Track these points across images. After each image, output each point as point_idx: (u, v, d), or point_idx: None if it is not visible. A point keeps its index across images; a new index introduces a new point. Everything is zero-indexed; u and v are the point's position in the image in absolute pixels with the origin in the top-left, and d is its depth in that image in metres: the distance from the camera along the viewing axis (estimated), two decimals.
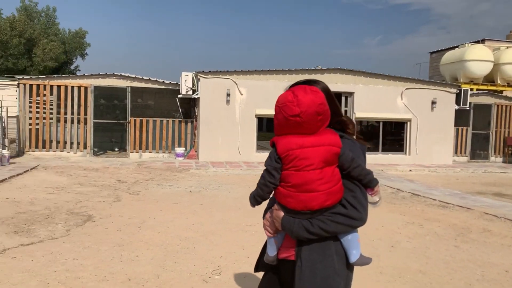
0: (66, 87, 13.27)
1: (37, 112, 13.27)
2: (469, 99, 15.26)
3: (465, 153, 16.25)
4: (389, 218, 6.50)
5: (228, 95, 13.17)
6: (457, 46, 19.86)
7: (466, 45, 19.08)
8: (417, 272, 4.16)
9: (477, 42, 21.60)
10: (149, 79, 14.02)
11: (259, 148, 13.76)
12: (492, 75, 18.54)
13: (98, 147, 14.23)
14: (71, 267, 3.97)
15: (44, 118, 13.31)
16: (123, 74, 13.72)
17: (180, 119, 14.43)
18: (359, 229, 1.74)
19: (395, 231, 5.73)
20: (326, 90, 1.79)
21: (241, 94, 13.32)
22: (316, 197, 1.64)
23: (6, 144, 11.82)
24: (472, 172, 13.44)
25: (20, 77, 13.40)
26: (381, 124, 14.86)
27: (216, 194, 8.21)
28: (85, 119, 13.52)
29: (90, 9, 60.34)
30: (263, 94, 13.28)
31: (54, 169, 10.74)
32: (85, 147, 13.64)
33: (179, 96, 13.92)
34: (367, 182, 1.73)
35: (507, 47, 19.07)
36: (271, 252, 1.81)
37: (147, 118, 14.11)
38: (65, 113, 13.38)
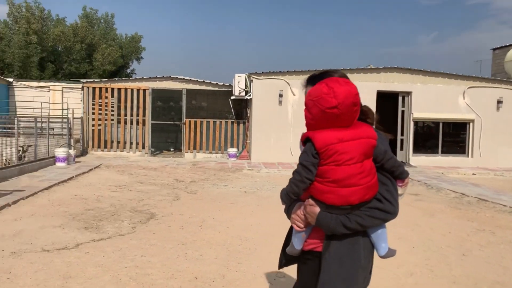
0: (126, 89, 13.89)
1: (99, 114, 13.99)
2: None
3: None
4: (456, 224, 6.15)
5: (281, 95, 13.14)
6: None
7: None
8: (494, 283, 3.89)
9: None
10: (203, 81, 14.32)
11: None
12: None
13: (154, 147, 14.76)
14: (139, 264, 4.11)
15: (105, 120, 14.00)
16: (178, 76, 14.14)
17: (233, 120, 14.60)
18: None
19: (464, 238, 5.41)
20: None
21: (294, 95, 13.24)
22: (357, 191, 1.61)
23: (72, 144, 12.56)
24: None
25: (84, 80, 14.19)
26: (440, 124, 14.16)
27: (271, 195, 8.20)
28: (143, 120, 14.06)
29: (145, 14, 62.82)
30: None
31: (116, 168, 11.25)
32: (143, 147, 14.18)
33: (232, 97, 14.10)
34: (399, 174, 1.71)
35: None
36: (298, 245, 1.79)
37: (201, 119, 14.42)
38: (125, 115, 13.99)
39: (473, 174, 12.27)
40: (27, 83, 17.51)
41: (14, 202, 6.49)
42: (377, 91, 13.35)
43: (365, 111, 1.78)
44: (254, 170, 11.65)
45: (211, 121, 14.42)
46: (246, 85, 13.63)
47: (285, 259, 1.95)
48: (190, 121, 14.30)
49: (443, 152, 14.19)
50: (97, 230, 5.32)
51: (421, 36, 76.26)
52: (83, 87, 13.81)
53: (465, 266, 4.33)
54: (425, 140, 14.85)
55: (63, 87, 17.10)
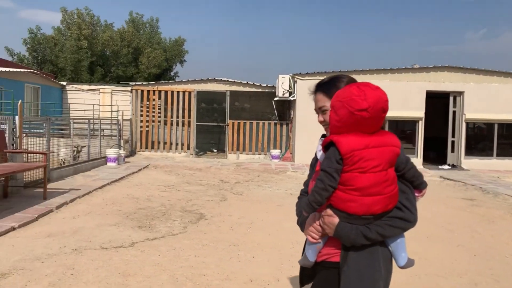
0: (172, 92, 14.23)
1: (147, 116, 14.42)
2: None
3: None
4: None
5: None
6: None
7: None
8: None
9: None
10: (247, 82, 14.40)
11: None
12: None
13: (198, 148, 15.01)
14: (194, 264, 4.16)
15: (153, 121, 14.41)
16: (223, 78, 14.29)
17: (276, 122, 14.57)
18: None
19: None
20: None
21: None
22: (380, 200, 1.55)
23: (122, 144, 13.02)
24: None
25: (133, 83, 14.67)
26: (495, 126, 13.41)
27: None
28: (189, 122, 14.33)
29: (188, 17, 64.29)
30: None
31: (163, 169, 11.53)
32: (188, 148, 14.46)
33: (275, 98, 14.07)
34: (419, 184, 1.67)
35: None
36: (312, 257, 1.71)
37: (244, 121, 14.50)
38: (171, 116, 14.33)
39: None
40: (79, 86, 18.37)
41: (72, 201, 6.78)
42: (427, 91, 12.87)
43: None
44: (298, 172, 11.56)
45: (254, 122, 14.46)
46: (290, 86, 13.56)
47: (305, 276, 1.84)
48: (233, 123, 14.42)
49: (498, 154, 13.44)
50: (150, 229, 5.44)
51: (468, 33, 72.86)
52: (132, 90, 14.29)
53: None
54: (477, 142, 14.13)
55: (112, 90, 17.80)
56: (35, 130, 11.53)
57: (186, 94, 14.27)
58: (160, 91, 14.28)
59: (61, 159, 9.93)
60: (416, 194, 1.69)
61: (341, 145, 1.53)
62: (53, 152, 8.73)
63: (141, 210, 6.52)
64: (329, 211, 1.63)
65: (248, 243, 4.92)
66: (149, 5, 60.41)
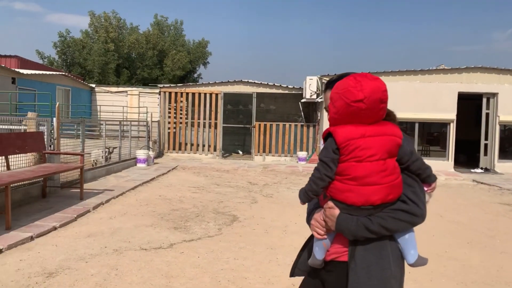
0: (199, 94, 14.35)
1: (175, 117, 14.58)
2: None
3: None
4: None
5: None
6: None
7: None
8: None
9: None
10: (274, 84, 14.38)
11: None
12: None
13: (224, 150, 15.07)
14: (234, 267, 4.15)
15: (180, 123, 14.56)
16: (249, 80, 14.32)
17: (302, 123, 14.49)
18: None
19: None
20: None
21: None
22: (379, 190, 1.51)
23: (151, 146, 13.19)
24: None
25: (161, 85, 14.86)
26: None
27: None
28: (215, 124, 14.42)
29: (212, 19, 64.82)
30: (391, 96, 12.51)
31: (191, 170, 11.63)
32: (214, 149, 14.54)
33: (302, 100, 13.99)
34: (426, 177, 1.61)
35: None
36: (320, 255, 1.65)
37: (271, 123, 14.48)
38: (198, 118, 14.45)
39: None
40: (107, 88, 18.75)
41: (107, 201, 6.90)
42: (459, 92, 12.55)
43: (389, 111, 1.68)
44: None
45: (281, 124, 14.43)
46: (317, 88, 13.46)
47: (300, 269, 1.82)
48: (259, 124, 14.42)
49: None
50: (186, 231, 5.48)
51: (496, 33, 70.83)
52: (160, 91, 14.48)
53: None
54: (510, 145, 13.71)
55: (139, 92, 18.09)
56: (66, 132, 11.82)
57: (213, 96, 14.36)
58: (187, 93, 14.41)
59: (93, 160, 10.12)
60: (425, 188, 1.63)
61: (337, 135, 1.53)
62: (89, 153, 8.92)
63: (175, 211, 6.57)
64: (330, 203, 1.61)
65: (285, 247, 4.89)
66: (173, 8, 61.22)
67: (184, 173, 11.08)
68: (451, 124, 12.83)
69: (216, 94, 14.37)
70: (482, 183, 10.81)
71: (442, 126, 14.04)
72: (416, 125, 13.04)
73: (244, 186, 9.43)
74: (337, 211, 1.58)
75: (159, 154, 14.25)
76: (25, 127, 8.08)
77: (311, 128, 14.46)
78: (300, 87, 14.29)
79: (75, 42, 27.38)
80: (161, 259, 4.31)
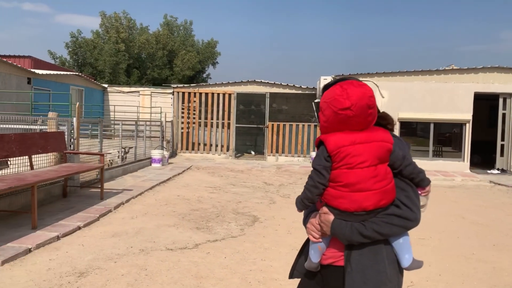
0: (212, 94, 14.36)
1: (188, 117, 14.60)
2: None
3: None
4: None
5: None
6: None
7: None
8: None
9: None
10: (287, 84, 14.34)
11: None
12: None
13: (236, 150, 15.07)
14: (263, 268, 4.13)
15: (193, 123, 14.58)
16: (263, 80, 14.29)
17: (316, 124, 14.43)
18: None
19: None
20: None
21: (383, 97, 12.76)
22: (371, 196, 1.53)
23: (165, 146, 13.23)
24: None
25: (175, 85, 14.89)
26: None
27: None
28: (228, 124, 14.41)
29: (220, 19, 64.92)
30: (406, 96, 12.54)
31: (206, 170, 11.63)
32: (227, 149, 14.54)
33: (316, 100, 13.92)
34: (419, 181, 1.63)
35: None
36: (315, 258, 1.68)
37: (284, 123, 14.44)
38: (211, 118, 14.46)
39: None
40: (119, 88, 18.83)
41: (127, 201, 6.92)
42: (475, 92, 12.42)
43: (384, 116, 1.71)
44: None
45: (294, 124, 14.39)
46: None
47: (298, 271, 1.83)
48: (273, 124, 14.39)
49: None
50: (208, 231, 5.47)
51: (504, 32, 70.07)
52: (173, 92, 14.51)
53: None
54: None
55: (151, 92, 18.15)
56: (81, 131, 11.87)
57: (226, 96, 14.36)
58: (200, 93, 14.43)
59: (109, 160, 10.16)
60: (420, 192, 1.64)
61: (328, 142, 1.56)
62: (110, 153, 8.95)
63: (195, 212, 6.57)
64: (324, 209, 1.63)
65: None
66: (182, 8, 61.41)
67: (199, 173, 11.09)
68: (467, 125, 12.70)
69: (229, 94, 14.37)
70: (499, 184, 10.68)
71: (453, 126, 13.91)
72: (431, 125, 12.94)
73: (260, 186, 9.41)
74: (331, 217, 1.61)
75: (172, 154, 14.28)
76: (41, 127, 8.14)
77: None
78: (314, 87, 14.24)
79: (86, 43, 27.55)
80: (188, 259, 4.30)
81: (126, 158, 10.34)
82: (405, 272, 4.03)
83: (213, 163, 13.11)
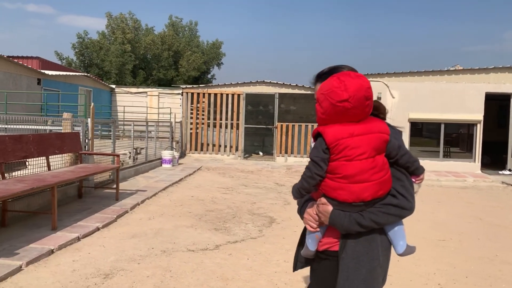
0: (221, 94, 14.34)
1: (197, 118, 14.59)
2: None
3: None
4: None
5: (379, 98, 12.66)
6: None
7: None
8: None
9: None
10: (296, 85, 14.31)
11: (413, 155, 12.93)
12: None
13: (244, 150, 15.03)
14: (287, 270, 4.09)
15: (202, 123, 14.57)
16: (272, 81, 14.27)
17: None
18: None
19: None
20: None
21: (393, 97, 12.71)
22: (369, 187, 1.56)
23: (174, 146, 13.21)
24: None
25: (184, 86, 14.89)
26: None
27: None
28: (237, 124, 14.39)
29: (225, 20, 64.96)
30: (417, 96, 12.48)
31: (216, 171, 11.61)
32: (236, 150, 14.51)
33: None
34: (414, 169, 1.67)
35: None
36: (312, 246, 1.73)
37: (293, 123, 14.41)
38: (220, 119, 14.44)
39: None
40: (127, 89, 18.84)
41: (142, 202, 6.90)
42: (486, 93, 12.35)
43: (376, 105, 1.70)
44: None
45: (303, 125, 14.34)
46: None
47: (300, 262, 1.88)
48: (282, 125, 14.36)
49: None
50: (227, 232, 5.44)
51: (508, 32, 69.78)
52: (182, 92, 14.51)
53: None
54: None
55: (159, 93, 18.15)
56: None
57: (235, 96, 14.34)
58: (209, 94, 14.41)
59: (121, 161, 10.15)
60: (414, 180, 1.68)
61: (327, 135, 1.56)
62: (124, 153, 8.94)
63: (211, 212, 6.55)
64: (323, 200, 1.65)
65: None
66: (184, 8, 61.48)
67: (209, 173, 11.07)
68: (478, 125, 12.63)
69: (238, 95, 14.35)
70: None
71: (460, 126, 13.83)
72: (442, 126, 12.87)
73: (272, 187, 9.38)
74: (330, 208, 1.63)
75: (181, 155, 14.26)
76: (51, 128, 8.15)
77: None
78: None
79: (92, 43, 27.61)
80: (211, 260, 4.28)
81: (137, 158, 10.33)
82: (432, 275, 3.98)
83: (222, 163, 13.08)
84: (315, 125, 14.18)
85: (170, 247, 4.69)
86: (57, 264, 3.98)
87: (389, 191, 1.61)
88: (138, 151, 10.30)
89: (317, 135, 1.63)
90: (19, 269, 3.73)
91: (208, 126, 14.60)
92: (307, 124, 14.40)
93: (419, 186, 1.73)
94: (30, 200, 5.51)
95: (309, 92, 14.50)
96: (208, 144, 14.63)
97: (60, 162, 6.82)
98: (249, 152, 15.88)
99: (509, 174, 12.36)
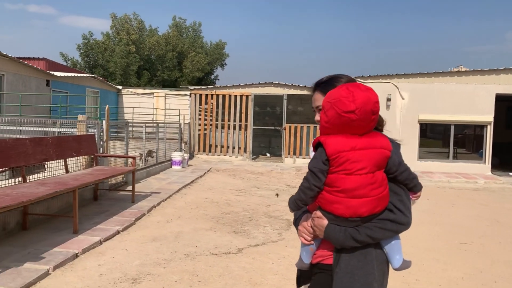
0: (229, 96, 14.32)
1: (205, 119, 14.58)
2: None
3: None
4: None
5: (389, 99, 12.63)
6: None
7: None
8: None
9: None
10: (305, 86, 14.28)
11: (422, 156, 12.90)
12: None
13: (252, 152, 15.01)
14: None
15: (211, 125, 14.55)
16: (280, 82, 14.25)
17: None
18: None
19: None
20: None
21: (403, 99, 12.67)
22: (367, 203, 1.53)
23: (183, 148, 13.19)
24: None
25: (192, 87, 14.87)
26: None
27: None
28: (245, 126, 14.36)
29: (229, 21, 64.97)
30: (427, 98, 12.44)
31: (226, 172, 11.58)
32: (244, 151, 14.49)
33: None
34: (413, 187, 1.64)
35: None
36: (306, 259, 1.70)
37: (301, 125, 14.37)
38: (228, 120, 14.42)
39: None
40: (133, 90, 18.83)
41: (158, 204, 6.88)
42: (496, 94, 12.31)
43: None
44: None
45: (312, 126, 14.31)
46: None
47: (303, 277, 1.81)
48: (290, 126, 14.33)
49: None
50: (246, 235, 5.41)
51: (510, 33, 69.69)
52: (191, 94, 14.49)
53: None
54: None
55: (165, 94, 18.14)
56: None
57: (243, 97, 14.32)
58: (218, 95, 14.40)
59: (131, 162, 10.13)
60: (410, 196, 1.65)
61: (328, 146, 1.53)
62: (140, 155, 8.92)
63: (227, 215, 6.52)
64: (318, 213, 1.62)
65: None
66: (190, 9, 61.53)
67: (220, 175, 11.04)
68: (488, 126, 12.59)
69: (247, 96, 14.32)
70: None
71: (465, 127, 13.75)
72: (452, 127, 12.83)
73: (283, 189, 9.35)
74: (325, 221, 1.60)
75: (190, 156, 14.25)
76: (59, 129, 8.12)
77: None
78: None
79: (97, 44, 27.61)
80: (236, 264, 4.25)
81: (148, 160, 10.32)
82: (459, 279, 3.95)
83: (231, 165, 13.06)
84: None
85: (192, 250, 4.66)
86: (83, 268, 3.96)
87: (386, 207, 1.59)
88: (151, 155, 10.28)
89: (317, 145, 1.59)
90: (46, 273, 3.71)
91: (216, 127, 14.58)
92: (315, 125, 14.36)
93: (413, 203, 1.70)
94: (49, 203, 5.49)
95: None
96: (216, 146, 14.60)
97: (75, 165, 6.80)
98: (256, 153, 15.86)
99: None
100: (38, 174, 5.65)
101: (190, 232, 5.42)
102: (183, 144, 13.36)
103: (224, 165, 12.86)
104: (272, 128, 15.51)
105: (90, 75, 18.54)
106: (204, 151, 14.57)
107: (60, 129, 7.25)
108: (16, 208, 4.27)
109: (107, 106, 7.28)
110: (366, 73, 12.91)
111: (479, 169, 12.59)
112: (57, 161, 6.07)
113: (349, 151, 1.52)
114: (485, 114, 12.43)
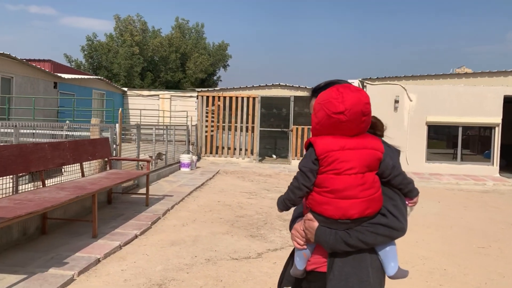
0: (236, 97, 14.32)
1: (212, 121, 14.58)
2: None
3: None
4: None
5: (397, 101, 12.63)
6: None
7: None
8: None
9: None
10: (312, 88, 14.27)
11: (430, 158, 12.90)
12: None
13: (259, 154, 15.01)
14: None
15: (217, 127, 14.56)
16: (287, 84, 14.25)
17: None
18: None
19: None
20: None
21: (411, 100, 12.67)
22: (357, 204, 1.50)
23: (191, 149, 13.20)
24: None
25: (199, 89, 14.87)
26: None
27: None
28: (252, 127, 14.37)
29: (231, 22, 65.01)
30: (435, 100, 12.44)
31: (234, 174, 11.58)
32: (251, 153, 14.49)
33: None
34: (408, 192, 1.61)
35: None
36: (300, 265, 1.64)
37: (308, 126, 14.37)
38: (235, 122, 14.43)
39: None
40: (139, 92, 18.85)
41: (172, 207, 6.88)
42: (505, 96, 12.30)
43: (374, 122, 1.65)
44: None
45: None
46: None
47: (285, 280, 1.78)
48: (297, 128, 14.33)
49: None
50: (264, 239, 5.41)
51: (511, 33, 69.70)
52: (197, 95, 14.51)
53: None
54: None
55: (171, 96, 18.15)
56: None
57: (250, 99, 14.32)
58: (224, 97, 14.40)
59: (140, 165, 10.13)
60: (407, 202, 1.62)
61: (317, 145, 1.52)
62: (151, 157, 8.92)
63: (241, 218, 6.52)
64: (309, 215, 1.60)
65: None
66: (193, 10, 61.58)
67: (228, 177, 11.04)
68: (496, 128, 12.58)
69: (253, 98, 14.33)
70: None
71: (467, 129, 13.72)
72: (460, 129, 12.83)
73: None
74: (316, 224, 1.57)
75: (197, 158, 14.25)
76: (67, 133, 8.13)
77: None
78: None
79: (101, 46, 27.64)
80: (258, 269, 4.25)
81: (157, 163, 10.32)
82: (483, 284, 3.94)
83: (238, 167, 13.06)
84: None
85: (213, 255, 4.66)
86: (107, 273, 3.96)
87: (379, 210, 1.55)
88: (161, 157, 10.28)
89: (308, 145, 1.59)
90: (72, 279, 3.71)
91: (223, 129, 14.59)
92: None
93: (411, 210, 1.65)
94: (66, 207, 5.49)
95: None
96: (223, 147, 14.61)
97: (88, 168, 6.81)
98: (262, 155, 15.86)
99: None
100: (55, 178, 5.65)
101: (207, 236, 5.42)
102: (191, 146, 13.35)
103: (231, 167, 12.86)
104: (279, 130, 15.49)
105: (96, 77, 18.56)
106: (211, 153, 14.58)
107: (74, 133, 7.25)
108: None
109: (120, 109, 7.29)
110: (373, 75, 12.89)
111: (487, 171, 12.58)
112: (73, 165, 6.08)
113: (338, 150, 1.50)
114: (493, 116, 12.43)
